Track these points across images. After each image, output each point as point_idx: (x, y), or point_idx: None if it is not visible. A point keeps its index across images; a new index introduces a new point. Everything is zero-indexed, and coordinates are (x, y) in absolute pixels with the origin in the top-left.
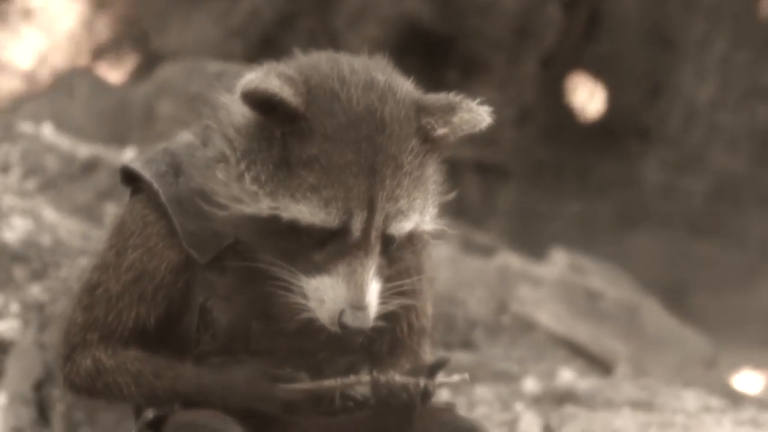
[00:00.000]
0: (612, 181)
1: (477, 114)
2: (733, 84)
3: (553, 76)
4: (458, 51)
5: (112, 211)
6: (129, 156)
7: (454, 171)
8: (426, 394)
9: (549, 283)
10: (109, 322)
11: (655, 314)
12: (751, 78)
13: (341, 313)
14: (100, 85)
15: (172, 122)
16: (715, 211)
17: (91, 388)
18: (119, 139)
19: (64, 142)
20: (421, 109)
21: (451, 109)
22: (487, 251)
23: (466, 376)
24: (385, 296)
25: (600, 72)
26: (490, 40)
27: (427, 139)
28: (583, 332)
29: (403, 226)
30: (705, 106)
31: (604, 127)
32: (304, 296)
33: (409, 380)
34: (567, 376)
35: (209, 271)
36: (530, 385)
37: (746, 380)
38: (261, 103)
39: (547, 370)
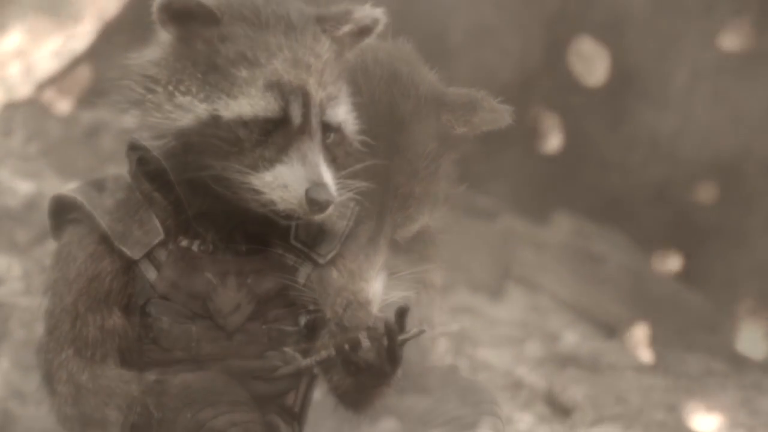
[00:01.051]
0: (617, 146)
1: (498, 113)
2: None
3: (557, 40)
4: (460, 15)
5: (53, 249)
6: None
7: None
8: (392, 341)
9: (552, 247)
10: (78, 331)
11: (658, 279)
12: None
13: (307, 190)
14: (45, 117)
15: (119, 156)
16: (680, 246)
17: (81, 414)
18: (63, 173)
19: (5, 176)
20: (442, 106)
21: (472, 108)
22: (489, 215)
23: (424, 328)
24: (392, 285)
25: (605, 36)
26: (492, 3)
27: (446, 138)
28: (586, 296)
29: (338, 113)
30: (710, 72)
31: (609, 92)
32: (258, 193)
33: (374, 336)
34: (570, 339)
35: (146, 271)
36: (533, 348)
37: (748, 344)
38: (179, 11)
39: (551, 334)
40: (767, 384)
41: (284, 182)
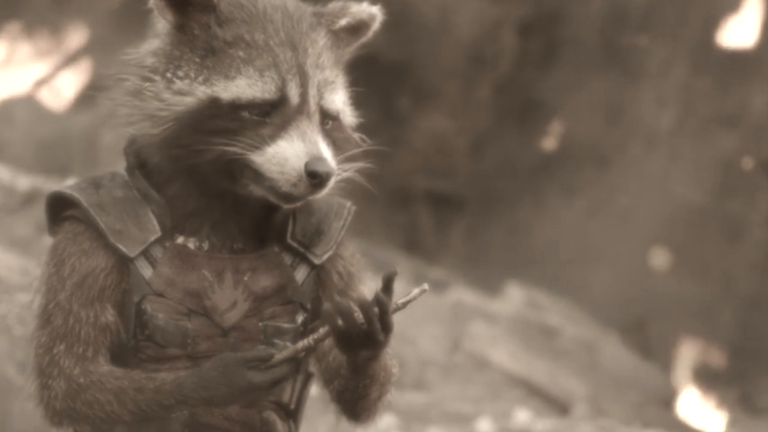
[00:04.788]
0: (569, 212)
1: (367, 7)
2: (694, 112)
3: (508, 103)
4: (411, 78)
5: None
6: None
7: (405, 202)
8: (384, 311)
9: (504, 320)
10: (70, 327)
11: (613, 351)
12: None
13: (306, 164)
14: (41, 114)
15: (116, 153)
16: (675, 241)
17: (71, 410)
18: (60, 170)
19: (4, 174)
20: (317, 14)
21: (343, 7)
22: (440, 286)
23: (425, 286)
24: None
25: (557, 99)
26: (444, 67)
27: (330, 32)
28: (539, 371)
29: (335, 99)
30: (665, 134)
31: (561, 156)
32: (259, 168)
33: (365, 306)
34: (523, 416)
35: (142, 268)
36: (485, 426)
37: (707, 417)
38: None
39: (503, 411)
40: None
41: (285, 156)
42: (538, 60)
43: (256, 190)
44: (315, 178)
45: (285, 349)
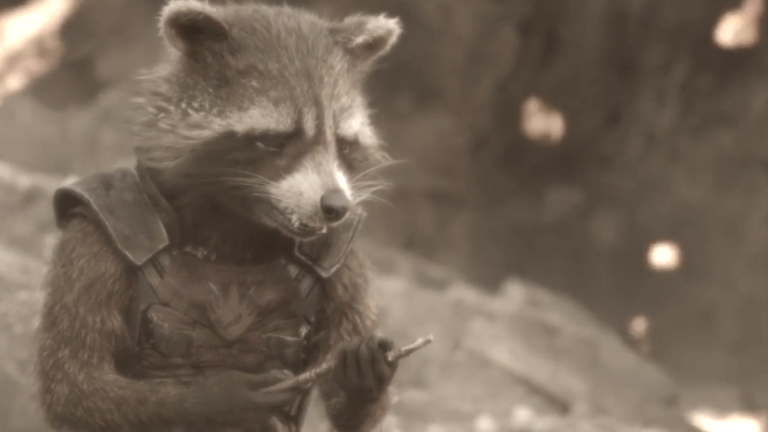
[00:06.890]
0: (570, 211)
1: (384, 22)
2: (694, 110)
3: (508, 102)
4: (410, 77)
5: (52, 243)
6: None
7: (406, 200)
8: (377, 362)
9: (505, 318)
10: (76, 331)
11: (614, 350)
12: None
13: (322, 198)
14: (41, 113)
15: (116, 152)
16: (675, 240)
17: (72, 415)
18: (60, 170)
19: (4, 172)
20: (333, 31)
21: (360, 23)
22: (440, 285)
23: (430, 336)
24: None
25: (557, 98)
26: (444, 66)
27: (347, 51)
28: (540, 369)
29: (351, 125)
30: (665, 133)
31: (562, 154)
32: (275, 201)
33: (360, 359)
34: (523, 414)
35: (149, 276)
36: (485, 424)
37: (707, 418)
38: (187, 26)
39: (503, 409)
40: None
41: (300, 190)
42: (539, 59)
43: (270, 222)
44: (331, 213)
45: (289, 379)
